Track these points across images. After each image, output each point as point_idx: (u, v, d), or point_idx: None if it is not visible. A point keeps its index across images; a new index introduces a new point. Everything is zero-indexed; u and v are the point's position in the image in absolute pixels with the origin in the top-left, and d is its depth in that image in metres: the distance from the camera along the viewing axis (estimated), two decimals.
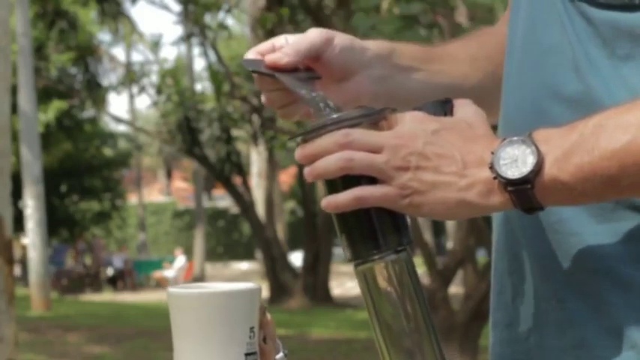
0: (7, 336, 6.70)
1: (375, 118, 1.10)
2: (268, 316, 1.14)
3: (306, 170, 1.12)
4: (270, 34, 17.16)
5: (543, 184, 1.04)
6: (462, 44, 1.41)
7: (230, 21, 37.84)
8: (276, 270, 20.31)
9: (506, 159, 1.05)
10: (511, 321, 1.22)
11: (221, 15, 19.04)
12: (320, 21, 12.86)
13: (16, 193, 11.76)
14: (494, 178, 1.05)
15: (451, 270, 10.02)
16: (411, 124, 1.09)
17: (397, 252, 1.09)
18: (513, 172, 1.04)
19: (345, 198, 1.09)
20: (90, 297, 24.15)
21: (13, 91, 11.59)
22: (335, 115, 1.11)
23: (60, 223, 29.06)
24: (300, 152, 1.13)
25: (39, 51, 22.02)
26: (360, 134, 1.08)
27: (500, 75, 1.30)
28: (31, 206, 17.70)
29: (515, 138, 1.06)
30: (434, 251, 13.65)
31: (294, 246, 29.19)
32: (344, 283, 25.27)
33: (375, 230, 1.09)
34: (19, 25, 17.43)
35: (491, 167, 1.05)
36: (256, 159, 24.17)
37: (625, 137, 1.02)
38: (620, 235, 1.10)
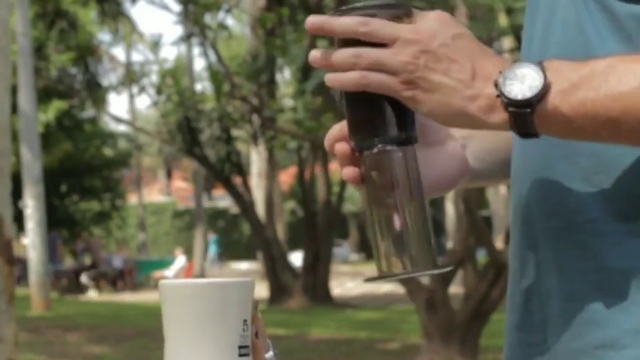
0: (7, 336, 6.70)
1: (399, 12, 1.11)
2: (258, 312, 1.14)
3: (311, 53, 1.12)
4: (270, 33, 17.17)
5: (543, 111, 1.05)
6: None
7: (230, 21, 37.87)
8: (276, 270, 20.31)
9: (512, 79, 1.05)
10: (522, 323, 1.22)
11: (221, 15, 19.06)
12: None
13: (16, 193, 11.77)
14: (498, 96, 1.06)
15: (451, 270, 10.02)
16: (434, 22, 1.08)
17: (401, 144, 1.11)
18: (516, 94, 1.05)
19: (351, 75, 1.09)
20: (90, 297, 24.15)
21: (13, 91, 11.60)
22: (360, 4, 1.11)
23: (60, 223, 29.05)
24: (319, 21, 1.11)
25: (39, 51, 22.01)
26: (378, 23, 1.08)
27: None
28: (31, 206, 17.69)
29: (525, 62, 1.06)
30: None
31: (294, 246, 29.17)
32: (344, 283, 25.28)
33: (384, 119, 1.10)
34: (19, 25, 17.42)
35: (496, 85, 1.06)
36: (256, 159, 24.19)
37: (634, 82, 1.02)
38: None
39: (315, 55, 1.11)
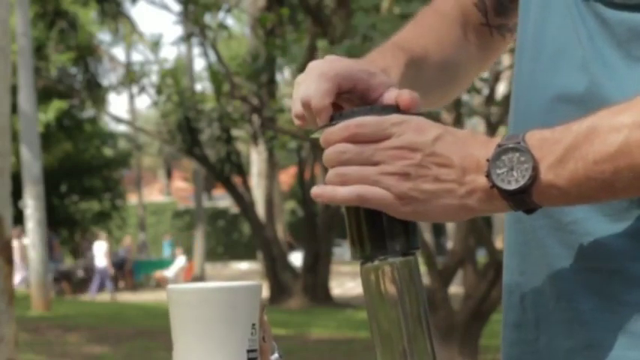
0: (7, 336, 6.70)
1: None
2: (265, 316, 1.14)
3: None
4: (270, 33, 17.17)
5: (540, 189, 1.06)
6: (426, 46, 1.36)
7: (230, 21, 37.88)
8: (276, 270, 20.32)
9: (502, 168, 1.06)
10: (520, 321, 1.22)
11: (221, 15, 19.06)
12: (320, 21, 12.85)
13: (16, 193, 11.76)
14: (492, 187, 1.06)
15: (451, 270, 10.01)
16: (411, 135, 1.08)
17: (404, 255, 1.10)
18: (510, 183, 1.05)
19: (347, 192, 1.09)
20: (90, 297, 24.15)
21: (13, 91, 11.59)
22: (351, 110, 1.12)
23: (60, 223, 29.06)
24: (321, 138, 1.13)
25: (39, 51, 22.03)
26: (357, 148, 1.09)
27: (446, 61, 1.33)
28: (31, 206, 17.68)
29: (508, 145, 1.06)
30: (434, 251, 13.68)
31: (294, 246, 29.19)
32: (344, 283, 25.27)
33: (384, 231, 1.09)
34: (19, 25, 17.41)
35: (488, 176, 1.06)
36: (256, 159, 24.19)
37: (618, 139, 1.02)
38: (635, 234, 1.10)
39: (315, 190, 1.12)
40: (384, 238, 1.09)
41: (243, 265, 34.83)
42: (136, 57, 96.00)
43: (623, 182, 1.03)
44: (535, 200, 1.06)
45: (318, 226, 19.94)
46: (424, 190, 1.08)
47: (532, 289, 1.20)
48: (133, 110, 34.66)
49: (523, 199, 1.06)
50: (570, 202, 1.08)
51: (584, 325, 1.13)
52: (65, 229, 30.43)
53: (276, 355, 1.17)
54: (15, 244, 21.44)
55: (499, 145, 1.07)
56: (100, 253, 24.60)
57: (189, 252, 29.86)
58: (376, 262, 1.10)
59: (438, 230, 31.65)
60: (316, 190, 1.11)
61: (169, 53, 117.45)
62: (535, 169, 1.05)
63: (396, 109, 1.12)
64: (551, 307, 1.17)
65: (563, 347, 1.15)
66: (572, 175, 1.04)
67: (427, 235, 22.01)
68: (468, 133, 1.10)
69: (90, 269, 26.75)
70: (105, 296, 23.92)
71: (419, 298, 1.10)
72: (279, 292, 20.12)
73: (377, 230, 1.10)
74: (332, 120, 1.12)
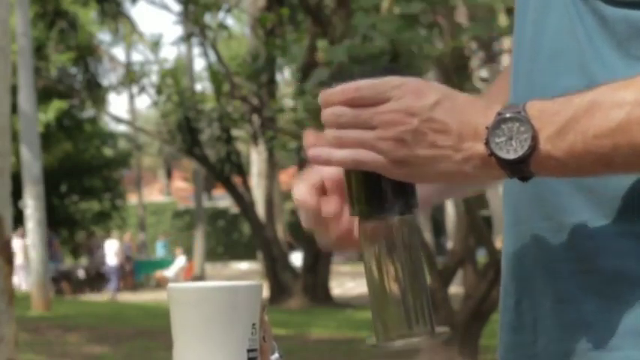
0: (7, 336, 6.70)
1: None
2: (265, 315, 1.14)
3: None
4: (270, 33, 17.19)
5: (538, 159, 1.05)
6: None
7: (230, 21, 37.89)
8: (276, 270, 20.31)
9: (501, 137, 1.05)
10: (516, 325, 1.22)
11: (221, 15, 19.08)
12: (320, 21, 12.87)
13: (16, 193, 11.75)
14: (490, 155, 1.06)
15: (451, 270, 10.02)
16: (409, 99, 1.08)
17: (402, 214, 1.10)
18: (509, 152, 1.05)
19: (343, 155, 1.09)
20: (90, 297, 24.16)
21: (13, 91, 11.58)
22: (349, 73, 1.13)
23: (60, 223, 29.06)
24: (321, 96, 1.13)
25: (39, 51, 22.03)
26: (354, 112, 1.08)
27: None
28: (31, 206, 17.68)
29: (508, 115, 1.06)
30: (434, 251, 13.67)
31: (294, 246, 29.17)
32: (344, 283, 25.27)
33: (382, 191, 1.10)
34: (19, 25, 17.41)
35: (487, 143, 1.06)
36: (256, 159, 24.20)
37: (619, 115, 1.02)
38: (635, 234, 1.10)
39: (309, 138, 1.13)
40: (383, 197, 1.10)
41: (243, 265, 34.84)
42: (136, 57, 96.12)
43: (622, 158, 1.03)
44: (532, 170, 1.06)
45: None
46: (420, 156, 1.07)
47: (529, 292, 1.19)
48: (133, 110, 34.68)
49: (520, 169, 1.06)
50: (568, 174, 1.07)
51: (586, 327, 1.12)
52: (65, 229, 30.41)
53: (276, 355, 1.17)
54: (19, 244, 21.66)
55: (499, 114, 1.06)
56: (112, 251, 24.71)
57: (189, 252, 29.86)
58: (374, 220, 1.10)
59: (438, 230, 31.64)
60: (313, 152, 1.11)
61: (169, 53, 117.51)
62: (534, 139, 1.04)
63: (397, 71, 1.11)
64: (550, 309, 1.16)
65: (564, 350, 1.14)
66: (571, 147, 1.04)
67: (427, 235, 21.99)
68: (467, 99, 1.09)
69: (93, 269, 26.81)
70: (106, 296, 23.94)
71: (417, 253, 1.11)
72: (279, 292, 20.12)
73: (375, 190, 1.10)
74: (332, 80, 1.12)
